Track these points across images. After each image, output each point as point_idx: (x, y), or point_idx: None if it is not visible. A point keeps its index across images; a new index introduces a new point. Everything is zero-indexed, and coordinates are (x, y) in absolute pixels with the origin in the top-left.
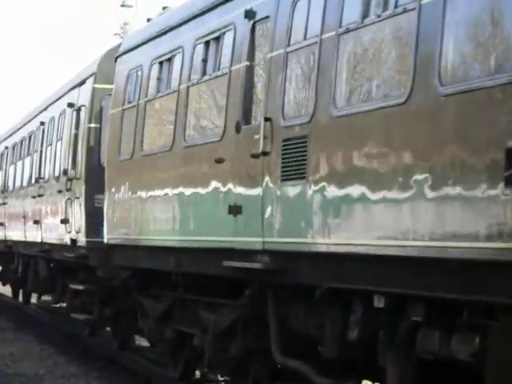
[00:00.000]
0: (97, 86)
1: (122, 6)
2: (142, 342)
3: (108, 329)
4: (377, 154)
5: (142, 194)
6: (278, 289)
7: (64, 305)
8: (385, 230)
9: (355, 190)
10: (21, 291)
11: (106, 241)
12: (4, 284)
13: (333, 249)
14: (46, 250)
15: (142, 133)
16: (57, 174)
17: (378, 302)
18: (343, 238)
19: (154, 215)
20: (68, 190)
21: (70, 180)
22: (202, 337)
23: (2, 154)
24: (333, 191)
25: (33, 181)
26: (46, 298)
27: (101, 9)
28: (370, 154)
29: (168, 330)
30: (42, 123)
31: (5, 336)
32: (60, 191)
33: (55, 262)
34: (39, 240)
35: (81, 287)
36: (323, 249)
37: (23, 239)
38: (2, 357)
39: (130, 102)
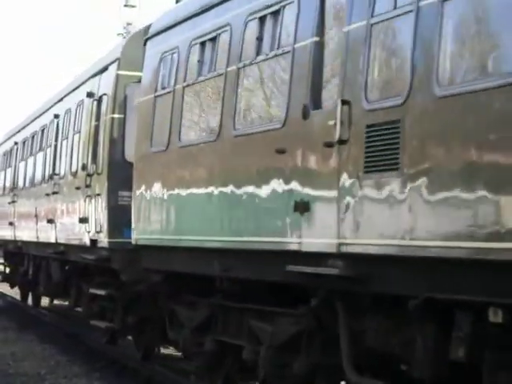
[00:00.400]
0: (121, 72)
1: (125, 5)
2: (166, 351)
3: (130, 338)
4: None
5: (180, 189)
6: (350, 298)
7: (77, 308)
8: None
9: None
10: (30, 294)
11: (133, 241)
12: (12, 286)
13: (434, 252)
14: (60, 252)
15: (180, 121)
16: (74, 169)
17: (494, 316)
18: (446, 238)
19: (195, 213)
20: (87, 186)
21: (89, 176)
22: (253, 350)
23: (11, 150)
24: (437, 186)
25: (46, 177)
26: (57, 301)
27: (104, 9)
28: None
29: (208, 341)
30: (57, 116)
31: (7, 336)
32: (78, 188)
33: (70, 265)
34: (53, 240)
35: (102, 292)
36: (420, 252)
37: (35, 240)
38: (3, 356)
39: (163, 88)
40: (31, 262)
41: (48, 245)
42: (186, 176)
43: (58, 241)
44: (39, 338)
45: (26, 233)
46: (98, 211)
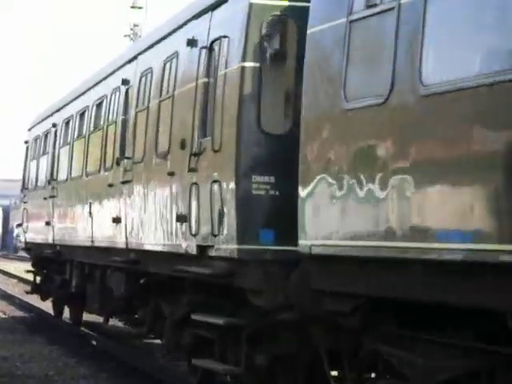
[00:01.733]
0: (256, 1)
1: (132, 7)
2: None
3: None
4: None
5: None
6: None
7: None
8: None
9: None
10: (68, 309)
11: (303, 249)
12: (45, 299)
13: None
14: (132, 261)
15: (420, 53)
16: (164, 148)
17: None
18: None
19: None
20: (192, 170)
21: (195, 155)
22: None
23: (48, 134)
24: None
25: (108, 164)
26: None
27: (110, 11)
28: None
29: None
30: (126, 81)
31: (15, 337)
32: (172, 174)
33: (147, 278)
34: (122, 246)
35: (220, 321)
36: None
37: (86, 243)
38: (11, 358)
39: (372, 6)
40: (75, 271)
41: (111, 251)
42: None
43: (130, 246)
44: (47, 340)
45: (69, 235)
46: (213, 205)
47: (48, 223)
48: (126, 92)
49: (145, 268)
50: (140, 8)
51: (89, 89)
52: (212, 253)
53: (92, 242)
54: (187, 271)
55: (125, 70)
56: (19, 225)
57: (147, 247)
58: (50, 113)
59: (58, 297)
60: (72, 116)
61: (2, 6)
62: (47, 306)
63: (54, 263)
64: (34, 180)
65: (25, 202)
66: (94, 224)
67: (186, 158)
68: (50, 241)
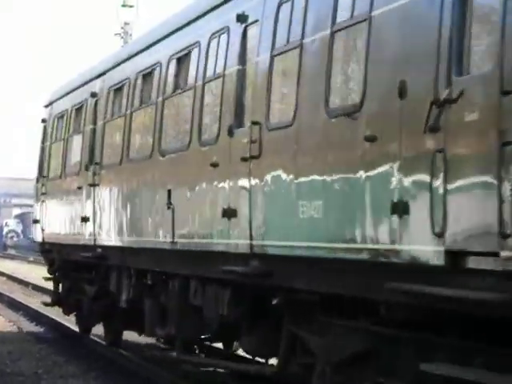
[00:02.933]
0: None
1: (123, 6)
2: None
3: None
4: None
5: None
6: None
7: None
8: None
9: None
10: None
11: None
12: (69, 313)
13: None
14: (262, 273)
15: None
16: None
17: None
18: None
19: None
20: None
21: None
22: None
23: (82, 106)
24: None
25: (206, 135)
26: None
27: (101, 9)
28: None
29: None
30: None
31: (4, 335)
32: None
33: (282, 298)
34: (243, 250)
35: None
36: None
37: (158, 246)
38: (0, 356)
39: None
40: (127, 281)
41: (205, 256)
42: None
43: (254, 250)
44: (36, 338)
45: (124, 234)
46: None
47: (85, 219)
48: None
49: (283, 282)
50: (131, 6)
51: (148, 46)
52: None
53: (173, 243)
54: (430, 294)
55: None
56: (36, 221)
57: (285, 252)
58: (83, 81)
59: (91, 312)
60: (128, 80)
61: (2, 5)
62: (37, 305)
63: (83, 269)
64: (60, 165)
65: (43, 194)
66: (177, 219)
67: None
68: (89, 241)
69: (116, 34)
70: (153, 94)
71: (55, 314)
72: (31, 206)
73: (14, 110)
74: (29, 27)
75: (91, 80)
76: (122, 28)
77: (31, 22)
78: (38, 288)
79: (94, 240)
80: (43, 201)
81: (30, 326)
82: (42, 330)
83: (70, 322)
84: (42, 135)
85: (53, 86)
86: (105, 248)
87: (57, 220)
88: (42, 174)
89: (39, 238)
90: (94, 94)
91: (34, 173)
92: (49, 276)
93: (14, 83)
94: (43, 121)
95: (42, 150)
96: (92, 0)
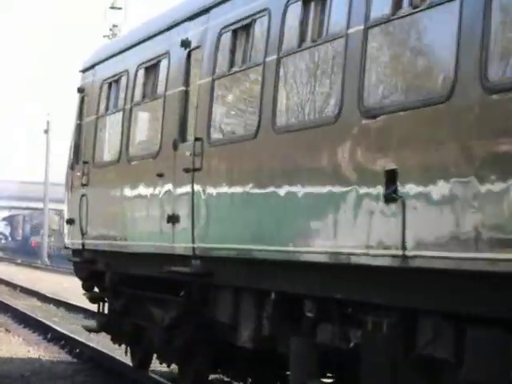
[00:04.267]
0: None
1: (111, 8)
2: None
3: None
4: None
5: None
6: None
7: None
8: None
9: None
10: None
11: None
12: (119, 342)
13: None
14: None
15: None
16: None
17: None
18: None
19: None
20: None
21: None
22: None
23: (160, 60)
24: None
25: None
26: None
27: (89, 11)
28: None
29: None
30: None
31: None
32: None
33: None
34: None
35: None
36: None
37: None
38: None
39: None
40: (253, 310)
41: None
42: None
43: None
44: (24, 340)
45: (253, 241)
46: None
47: (174, 218)
48: None
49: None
50: (119, 9)
51: None
52: None
53: (369, 250)
54: None
55: None
56: (70, 221)
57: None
58: (162, 27)
59: (164, 345)
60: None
61: (2, 5)
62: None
63: (147, 286)
64: (118, 146)
65: (84, 185)
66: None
67: None
68: (183, 250)
69: (104, 36)
70: None
71: (43, 316)
72: (19, 208)
73: (14, 110)
74: (29, 27)
75: (178, 24)
76: (111, 30)
77: (31, 21)
78: (25, 290)
79: (193, 249)
80: (83, 195)
81: (17, 329)
82: (29, 332)
83: (57, 324)
84: (77, 109)
85: (52, 87)
86: (209, 260)
87: (111, 220)
88: (79, 160)
89: (77, 244)
90: (185, 43)
91: (20, 174)
92: (92, 295)
93: (14, 83)
94: (80, 90)
95: (79, 128)
96: (86, 1)
